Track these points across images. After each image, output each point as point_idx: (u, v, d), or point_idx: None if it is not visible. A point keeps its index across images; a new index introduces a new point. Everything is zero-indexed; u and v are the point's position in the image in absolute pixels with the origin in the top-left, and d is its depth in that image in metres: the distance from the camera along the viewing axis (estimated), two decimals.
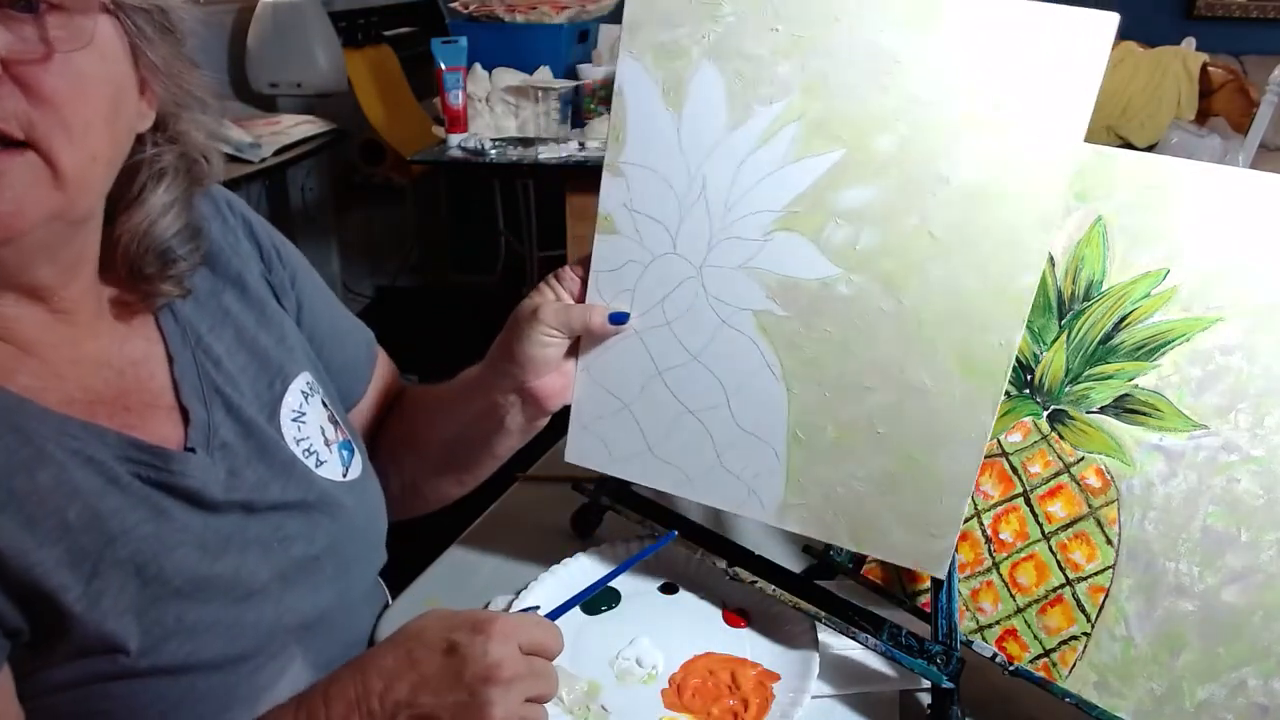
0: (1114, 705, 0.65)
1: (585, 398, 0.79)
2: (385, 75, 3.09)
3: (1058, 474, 0.70)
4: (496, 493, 1.01)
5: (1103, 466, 0.68)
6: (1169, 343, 0.66)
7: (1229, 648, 0.62)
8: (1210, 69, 2.73)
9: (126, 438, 0.61)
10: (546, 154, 2.35)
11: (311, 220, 3.25)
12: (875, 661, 0.76)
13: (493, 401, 0.80)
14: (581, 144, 2.43)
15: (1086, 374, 0.69)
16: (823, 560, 0.82)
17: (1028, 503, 0.71)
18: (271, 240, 0.79)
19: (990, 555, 0.72)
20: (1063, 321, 0.70)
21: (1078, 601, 0.68)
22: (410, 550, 0.93)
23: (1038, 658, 0.69)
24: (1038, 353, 0.71)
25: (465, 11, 2.73)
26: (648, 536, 0.86)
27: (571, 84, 2.60)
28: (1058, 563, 0.69)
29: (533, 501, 0.99)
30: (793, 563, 0.82)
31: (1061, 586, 0.69)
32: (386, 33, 3.19)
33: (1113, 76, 2.87)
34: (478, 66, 2.61)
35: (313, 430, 0.74)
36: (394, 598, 0.87)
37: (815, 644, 0.76)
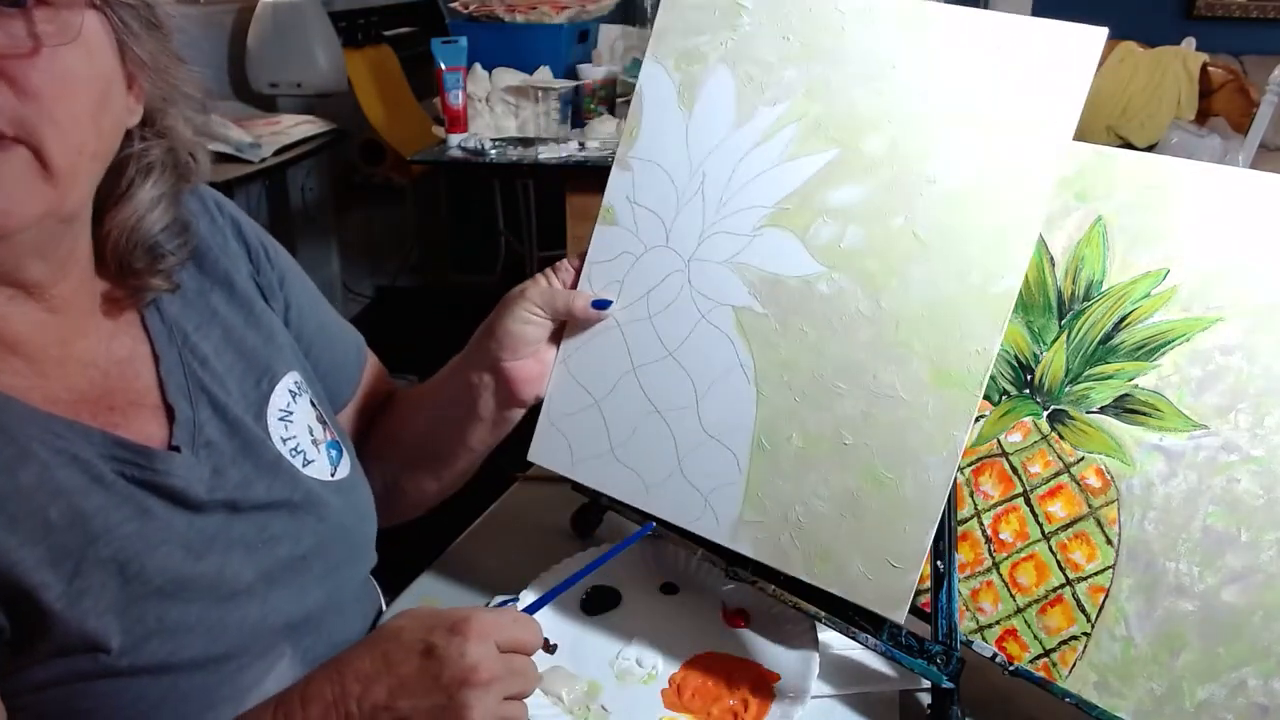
0: (1114, 705, 0.65)
1: (558, 391, 0.80)
2: (385, 75, 3.09)
3: (1058, 474, 0.70)
4: (496, 493, 1.01)
5: (1103, 466, 0.68)
6: (1169, 343, 0.66)
7: (1229, 648, 0.62)
8: (1210, 69, 2.74)
9: (111, 436, 0.61)
10: (546, 154, 2.35)
11: (311, 220, 3.25)
12: (875, 661, 0.76)
13: (468, 382, 0.80)
14: (581, 144, 2.43)
15: (1086, 374, 0.69)
16: None
17: (1028, 503, 0.71)
18: (260, 241, 0.79)
19: (990, 555, 0.72)
20: (1063, 321, 0.70)
21: (1078, 601, 0.68)
22: (410, 550, 0.93)
23: (1038, 658, 0.69)
24: (1038, 353, 0.71)
25: (465, 11, 2.73)
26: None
27: (571, 84, 2.60)
28: (1058, 563, 0.69)
29: (533, 501, 0.99)
30: None
31: (1061, 586, 0.69)
32: (386, 33, 3.19)
33: (1113, 76, 2.87)
34: (478, 66, 2.61)
35: (300, 430, 0.74)
36: (393, 599, 0.87)
37: (815, 644, 0.76)
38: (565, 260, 0.79)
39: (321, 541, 0.72)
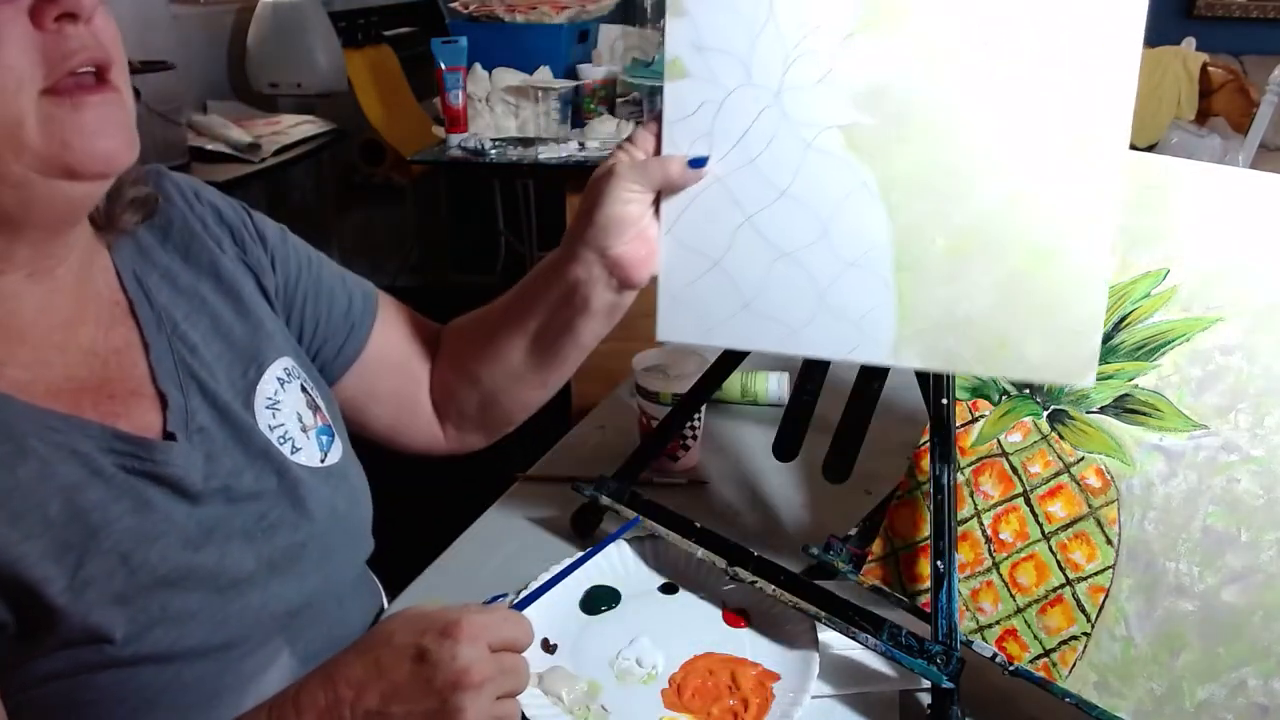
0: (1114, 705, 0.65)
1: (672, 264, 0.75)
2: (385, 75, 3.09)
3: (1058, 474, 0.70)
4: (496, 493, 1.01)
5: (1103, 466, 0.68)
6: (1169, 343, 0.66)
7: (1229, 648, 0.62)
8: (1210, 69, 2.74)
9: (110, 429, 0.62)
10: (546, 154, 2.35)
11: (311, 220, 3.25)
12: (875, 661, 0.76)
13: (574, 280, 0.76)
14: (581, 144, 2.43)
15: None
16: (822, 561, 0.82)
17: (1028, 503, 0.71)
18: (241, 219, 0.79)
19: (990, 555, 0.72)
20: None
21: (1078, 601, 0.68)
22: (410, 549, 0.93)
23: (1038, 658, 0.69)
24: None
25: (465, 11, 2.73)
26: (646, 536, 0.87)
27: (571, 84, 2.60)
28: (1058, 563, 0.69)
29: (533, 501, 0.99)
30: (792, 563, 0.82)
31: (1061, 586, 0.69)
32: (386, 33, 3.19)
33: None
34: (478, 66, 2.61)
35: (288, 417, 0.74)
36: (394, 597, 0.87)
37: (815, 644, 0.76)
38: (640, 128, 0.75)
39: (313, 528, 0.72)
